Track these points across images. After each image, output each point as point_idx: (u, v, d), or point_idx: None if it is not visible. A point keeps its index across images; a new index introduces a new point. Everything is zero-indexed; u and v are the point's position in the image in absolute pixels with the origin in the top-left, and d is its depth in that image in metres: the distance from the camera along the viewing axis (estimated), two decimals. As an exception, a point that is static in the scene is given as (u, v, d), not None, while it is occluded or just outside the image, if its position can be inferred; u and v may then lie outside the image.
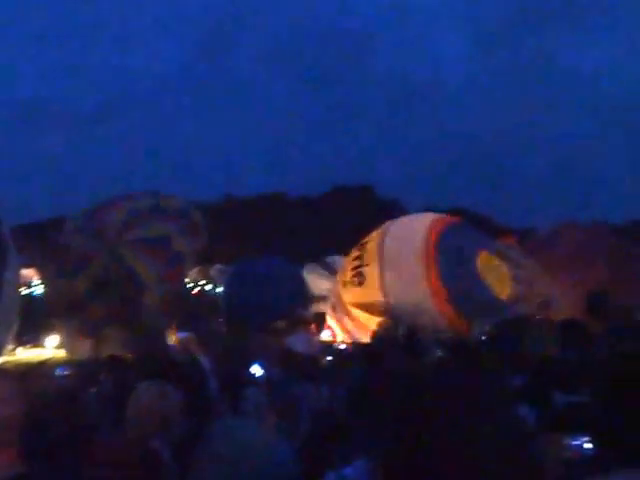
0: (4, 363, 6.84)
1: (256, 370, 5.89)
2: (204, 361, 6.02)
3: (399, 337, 7.66)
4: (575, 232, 12.07)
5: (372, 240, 9.78)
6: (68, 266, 8.63)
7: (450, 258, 9.14)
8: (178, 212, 9.37)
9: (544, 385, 3.69)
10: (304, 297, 12.25)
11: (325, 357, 8.21)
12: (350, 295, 9.83)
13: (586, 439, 2.69)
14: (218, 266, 17.21)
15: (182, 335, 7.02)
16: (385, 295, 8.97)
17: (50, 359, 8.08)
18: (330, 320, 10.67)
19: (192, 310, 10.78)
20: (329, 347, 9.34)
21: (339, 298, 10.43)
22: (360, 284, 9.52)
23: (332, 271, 13.57)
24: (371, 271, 9.30)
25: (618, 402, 2.19)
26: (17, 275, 6.97)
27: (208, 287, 15.89)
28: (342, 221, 50.27)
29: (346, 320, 9.93)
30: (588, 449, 2.67)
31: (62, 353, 8.71)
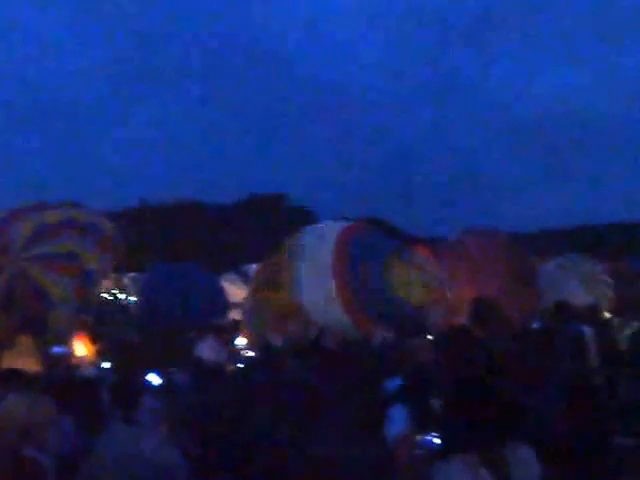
0: None
1: (153, 378, 5.88)
2: (92, 372, 6.00)
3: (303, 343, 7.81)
4: (474, 239, 12.55)
5: (285, 246, 9.91)
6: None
7: (360, 263, 9.28)
8: (90, 226, 8.98)
9: (419, 388, 3.96)
10: (221, 305, 12.34)
11: (234, 364, 8.32)
12: (264, 300, 9.93)
13: (435, 435, 3.16)
14: (132, 274, 16.99)
15: (57, 351, 6.95)
16: (297, 300, 9.10)
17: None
18: (245, 327, 10.78)
19: (101, 321, 10.62)
20: (238, 354, 9.44)
21: (253, 304, 10.53)
22: (273, 289, 9.63)
23: (248, 279, 13.67)
24: (284, 276, 9.39)
25: (458, 403, 2.75)
26: None
27: (122, 296, 15.70)
28: (256, 229, 50.35)
29: (260, 326, 10.02)
30: (436, 444, 3.12)
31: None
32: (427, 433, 3.36)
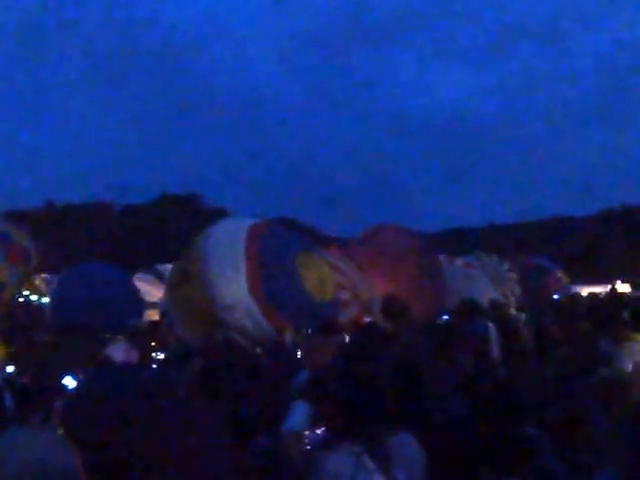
0: None
1: (68, 381, 5.73)
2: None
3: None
4: (382, 235, 12.89)
5: (196, 242, 9.91)
6: None
7: (270, 258, 9.33)
8: (1, 237, 8.71)
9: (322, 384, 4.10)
10: (135, 305, 12.28)
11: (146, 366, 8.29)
12: (177, 299, 9.90)
13: (322, 429, 3.33)
14: (43, 275, 16.64)
15: None
16: (208, 296, 9.01)
17: None
18: (160, 329, 10.71)
19: (11, 324, 10.38)
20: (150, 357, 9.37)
21: (168, 303, 10.50)
22: (185, 287, 9.57)
23: (163, 279, 13.61)
24: (195, 273, 9.32)
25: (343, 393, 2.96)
26: None
27: (33, 297, 15.38)
28: (169, 229, 49.74)
29: (175, 326, 9.99)
30: (323, 437, 3.30)
31: None
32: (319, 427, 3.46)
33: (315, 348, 5.21)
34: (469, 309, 8.60)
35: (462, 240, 43.12)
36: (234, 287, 8.96)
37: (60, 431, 4.02)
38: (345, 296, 10.75)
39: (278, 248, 9.63)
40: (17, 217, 30.13)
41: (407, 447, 2.92)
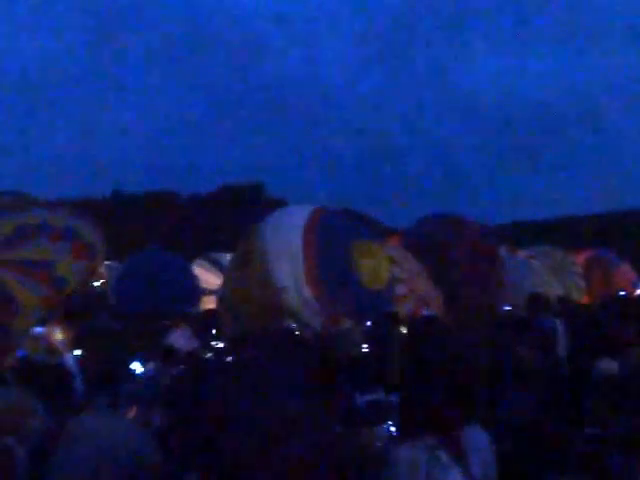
0: None
1: (136, 367, 5.93)
2: (69, 359, 6.02)
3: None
4: (436, 225, 12.69)
5: (256, 228, 9.89)
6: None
7: (326, 245, 9.33)
8: (67, 232, 8.73)
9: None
10: (194, 293, 12.38)
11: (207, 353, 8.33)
12: (235, 284, 9.94)
13: (390, 424, 3.26)
14: (107, 262, 16.92)
15: (38, 331, 6.95)
16: (266, 280, 9.08)
17: None
18: (219, 316, 10.77)
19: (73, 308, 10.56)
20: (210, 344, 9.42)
21: (225, 291, 10.55)
22: (244, 271, 9.62)
23: (220, 267, 13.67)
24: (254, 258, 9.40)
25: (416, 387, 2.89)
26: None
27: (96, 283, 15.62)
28: (231, 219, 50.18)
29: (232, 314, 10.03)
30: (394, 432, 3.23)
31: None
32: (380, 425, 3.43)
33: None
34: (535, 303, 8.35)
35: (534, 232, 42.08)
36: (290, 271, 8.99)
37: (130, 414, 4.03)
38: (402, 290, 10.59)
39: (335, 235, 9.61)
40: (84, 205, 30.88)
41: (480, 440, 2.85)
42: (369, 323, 7.80)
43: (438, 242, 11.90)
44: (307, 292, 9.01)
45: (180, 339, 8.43)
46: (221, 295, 10.78)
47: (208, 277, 13.83)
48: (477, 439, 2.84)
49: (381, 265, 9.89)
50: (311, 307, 8.98)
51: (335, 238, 9.53)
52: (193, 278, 12.77)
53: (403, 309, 9.95)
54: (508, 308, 9.27)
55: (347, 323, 7.89)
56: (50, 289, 8.15)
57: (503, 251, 13.81)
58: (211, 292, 12.79)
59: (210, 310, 11.46)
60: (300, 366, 3.91)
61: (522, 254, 15.02)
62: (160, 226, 49.81)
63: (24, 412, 3.26)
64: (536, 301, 8.44)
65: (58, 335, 6.49)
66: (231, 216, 51.38)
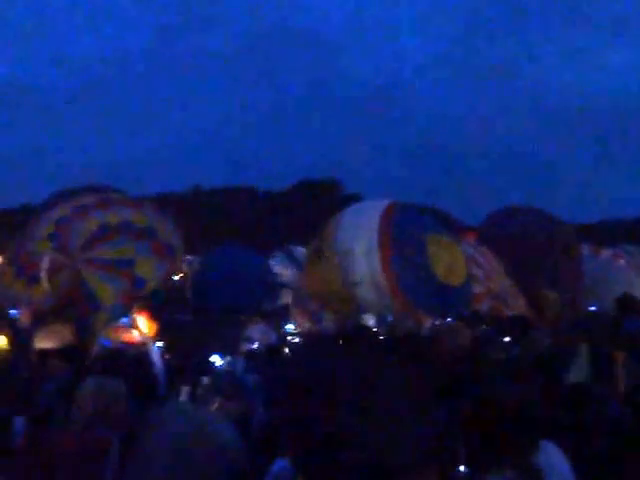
0: None
1: (216, 359, 6.00)
2: (154, 350, 6.13)
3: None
4: (513, 220, 12.38)
5: (331, 222, 9.91)
6: (28, 271, 8.29)
7: (401, 239, 9.29)
8: (148, 231, 8.82)
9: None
10: (271, 287, 12.47)
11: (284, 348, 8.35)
12: (310, 277, 9.97)
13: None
14: (187, 257, 17.20)
15: (123, 322, 7.09)
16: (341, 273, 9.10)
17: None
18: (293, 311, 10.85)
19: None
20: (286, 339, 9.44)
21: (301, 287, 10.59)
22: (320, 264, 9.64)
23: (296, 261, 13.73)
24: (329, 251, 9.43)
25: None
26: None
27: (175, 277, 15.89)
28: (308, 215, 50.36)
29: (307, 309, 10.07)
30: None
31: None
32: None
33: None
34: (624, 304, 8.01)
35: (613, 232, 40.66)
36: (366, 264, 8.97)
37: (212, 406, 4.06)
38: (478, 289, 10.39)
39: (411, 229, 9.56)
40: (165, 200, 31.55)
41: (554, 457, 2.68)
42: (449, 320, 7.63)
43: (525, 235, 11.64)
44: (383, 286, 8.96)
45: (257, 334, 8.50)
46: (297, 289, 10.83)
47: (285, 272, 13.91)
48: (551, 456, 2.66)
49: (457, 260, 9.76)
50: (384, 299, 8.94)
51: (410, 232, 9.46)
52: (270, 273, 12.87)
53: (481, 307, 9.81)
54: (593, 309, 8.99)
55: (427, 322, 7.76)
56: (129, 286, 8.34)
57: (586, 250, 13.45)
58: (288, 286, 12.87)
59: (286, 305, 11.53)
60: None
61: (607, 253, 14.54)
62: (238, 221, 50.44)
63: (115, 400, 3.35)
64: (626, 302, 8.11)
65: (142, 327, 6.63)
66: (308, 211, 51.57)
